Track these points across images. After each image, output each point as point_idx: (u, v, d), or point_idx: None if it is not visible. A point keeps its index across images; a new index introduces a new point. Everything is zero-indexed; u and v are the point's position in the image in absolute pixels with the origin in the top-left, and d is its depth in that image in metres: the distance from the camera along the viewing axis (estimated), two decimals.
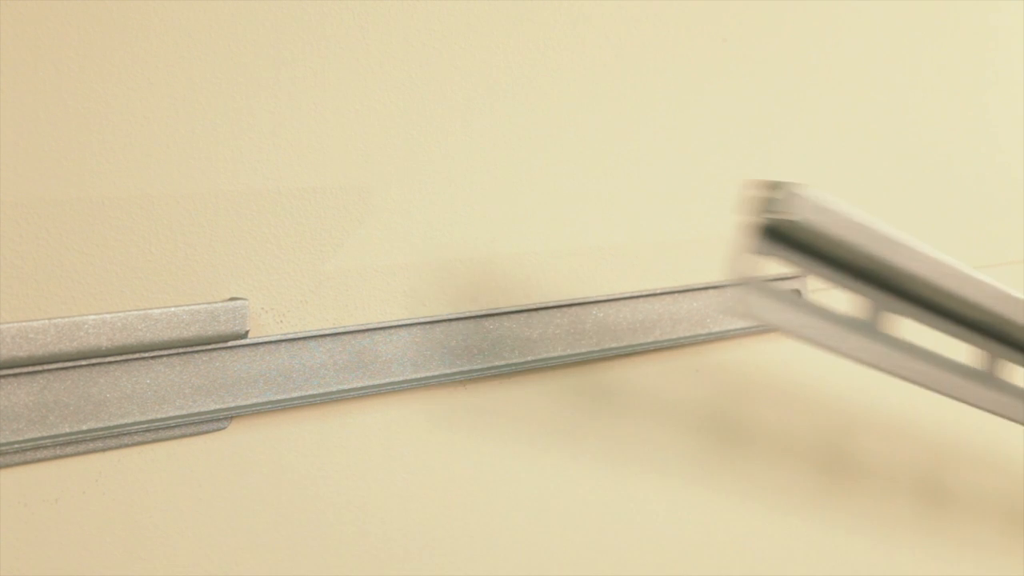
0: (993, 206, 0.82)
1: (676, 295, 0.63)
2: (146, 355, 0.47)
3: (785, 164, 0.69)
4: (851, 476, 0.76)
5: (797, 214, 0.40)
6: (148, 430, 0.47)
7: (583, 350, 0.60)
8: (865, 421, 0.76)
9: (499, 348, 0.57)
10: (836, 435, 0.74)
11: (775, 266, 0.63)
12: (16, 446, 0.44)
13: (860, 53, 0.73)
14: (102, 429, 0.46)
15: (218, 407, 0.49)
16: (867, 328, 0.47)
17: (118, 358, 0.46)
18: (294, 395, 0.51)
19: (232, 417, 0.49)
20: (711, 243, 0.66)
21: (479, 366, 0.56)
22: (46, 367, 0.44)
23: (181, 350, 0.47)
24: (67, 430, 0.45)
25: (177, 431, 0.48)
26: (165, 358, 0.47)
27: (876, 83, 0.74)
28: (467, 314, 0.55)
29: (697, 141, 0.65)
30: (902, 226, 0.74)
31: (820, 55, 0.70)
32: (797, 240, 0.41)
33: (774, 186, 0.41)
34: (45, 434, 0.45)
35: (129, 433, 0.47)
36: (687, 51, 0.64)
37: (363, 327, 0.52)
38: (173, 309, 0.46)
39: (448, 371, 0.55)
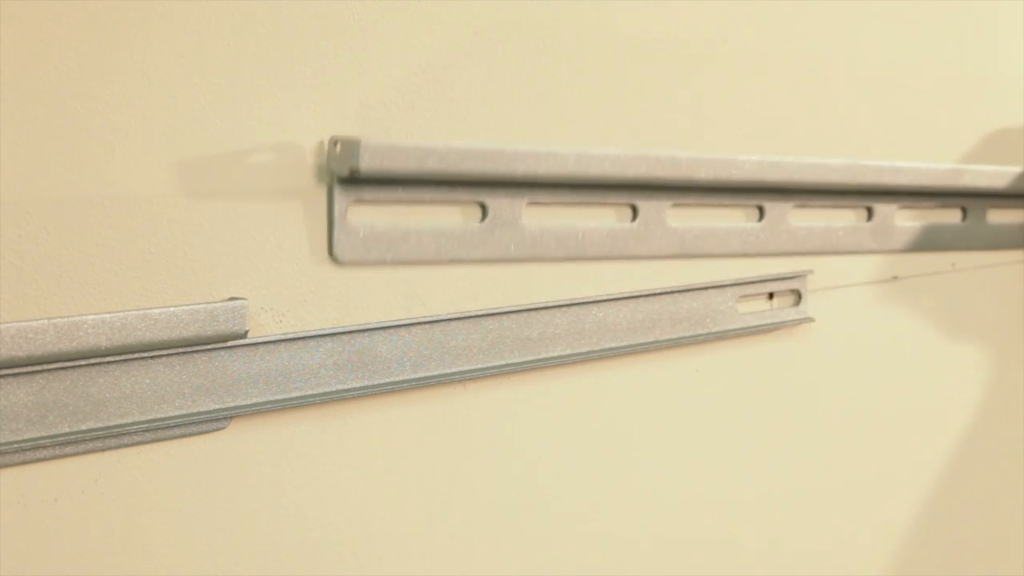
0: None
1: (676, 295, 0.63)
2: (145, 355, 0.47)
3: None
4: (854, 477, 0.76)
5: (362, 163, 0.47)
6: (147, 430, 0.47)
7: (583, 350, 0.60)
8: (868, 421, 0.76)
9: (499, 348, 0.57)
10: (838, 436, 0.74)
11: (775, 267, 0.63)
12: (15, 446, 0.44)
13: (861, 53, 0.73)
14: (101, 429, 0.46)
15: (218, 407, 0.49)
16: (493, 228, 0.54)
17: (117, 358, 0.46)
18: (294, 395, 0.51)
19: (232, 417, 0.49)
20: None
21: (479, 366, 0.56)
22: (45, 367, 0.44)
23: (180, 350, 0.47)
24: (66, 430, 0.45)
25: (176, 431, 0.48)
26: (164, 358, 0.47)
27: (878, 82, 0.74)
28: (467, 314, 0.55)
29: (697, 143, 0.65)
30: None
31: (821, 55, 0.70)
32: (380, 179, 0.49)
33: (335, 142, 0.48)
34: (44, 434, 0.45)
35: (128, 433, 0.47)
36: (687, 51, 0.64)
37: (363, 327, 0.52)
38: (172, 309, 0.46)
39: (448, 371, 0.55)
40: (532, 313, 0.58)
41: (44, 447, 0.45)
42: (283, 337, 0.50)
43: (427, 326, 0.54)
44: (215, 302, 0.48)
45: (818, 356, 0.72)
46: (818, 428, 0.73)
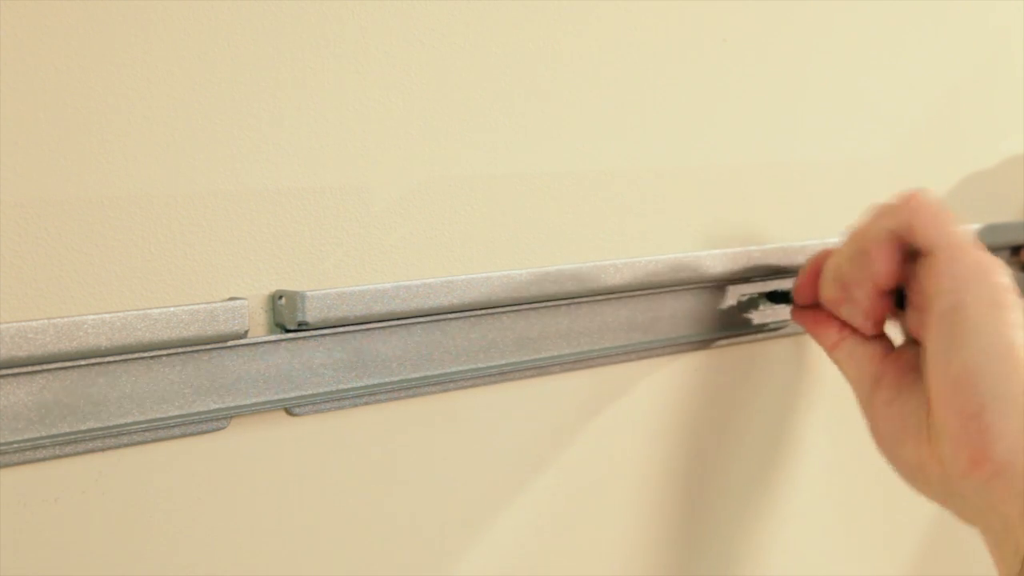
0: (998, 211, 0.82)
1: (676, 294, 0.63)
2: (146, 355, 0.47)
3: (783, 165, 0.69)
4: (854, 479, 0.76)
5: (307, 315, 0.49)
6: (147, 430, 0.47)
7: (583, 349, 0.60)
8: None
9: (499, 347, 0.57)
10: (839, 437, 0.74)
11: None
12: (15, 446, 0.44)
13: (861, 53, 0.73)
14: (101, 429, 0.46)
15: (218, 407, 0.49)
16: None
17: (117, 358, 0.46)
18: (294, 395, 0.51)
19: (232, 417, 0.49)
20: (713, 244, 0.66)
21: (479, 365, 0.56)
22: (45, 367, 0.44)
23: (180, 350, 0.47)
24: (66, 430, 0.45)
25: (177, 431, 0.48)
26: (165, 358, 0.47)
27: (877, 83, 0.74)
28: (467, 314, 0.55)
29: (699, 145, 0.65)
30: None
31: (821, 55, 0.70)
32: (326, 323, 0.50)
33: (279, 295, 0.49)
34: (44, 434, 0.45)
35: (129, 433, 0.47)
36: (687, 51, 0.64)
37: (363, 327, 0.52)
38: (172, 309, 0.46)
39: (448, 371, 0.55)
40: (532, 312, 0.58)
41: (44, 447, 0.45)
42: (283, 337, 0.50)
43: (427, 326, 0.54)
44: (215, 302, 0.48)
45: (820, 355, 0.72)
46: (821, 429, 0.73)
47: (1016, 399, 0.49)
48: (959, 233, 0.54)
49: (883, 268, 0.56)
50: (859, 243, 0.58)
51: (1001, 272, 0.53)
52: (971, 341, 0.51)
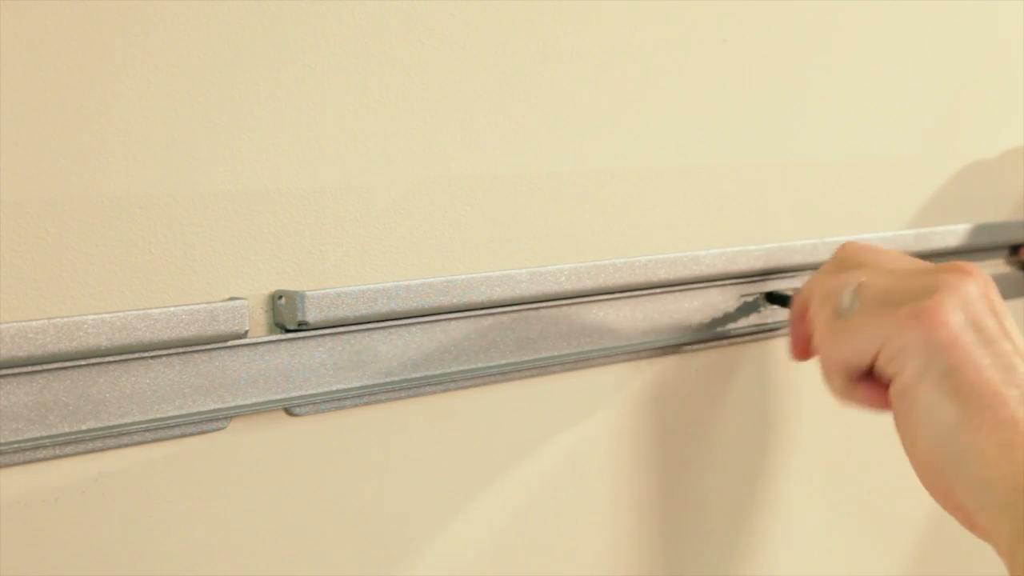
0: (996, 210, 0.82)
1: (676, 294, 0.63)
2: (146, 355, 0.47)
3: (783, 165, 0.69)
4: (854, 478, 0.76)
5: (307, 315, 0.49)
6: (148, 430, 0.47)
7: (583, 349, 0.60)
8: (868, 424, 0.76)
9: (499, 347, 0.57)
10: (839, 437, 0.74)
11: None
12: (15, 446, 0.44)
13: (860, 53, 0.73)
14: (102, 429, 0.46)
15: (217, 407, 0.49)
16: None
17: (118, 358, 0.46)
18: (293, 395, 0.51)
19: (232, 417, 0.49)
20: (711, 243, 0.66)
21: (479, 365, 0.56)
22: (45, 367, 0.44)
23: (180, 350, 0.47)
24: (66, 430, 0.45)
25: (177, 431, 0.48)
26: (165, 358, 0.47)
27: (876, 83, 0.74)
28: (467, 314, 0.55)
29: (699, 145, 0.65)
30: (893, 225, 0.74)
31: (821, 55, 0.70)
32: (326, 323, 0.50)
33: (279, 295, 0.50)
34: (44, 434, 0.45)
35: (129, 433, 0.47)
36: (687, 51, 0.64)
37: (363, 327, 0.52)
38: (172, 309, 0.46)
39: (448, 371, 0.55)
40: (532, 312, 0.58)
41: (44, 447, 0.45)
42: (283, 337, 0.50)
43: (427, 326, 0.54)
44: (215, 302, 0.48)
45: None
46: (821, 428, 0.73)
47: (979, 476, 0.49)
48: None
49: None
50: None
51: (941, 310, 0.51)
52: (925, 429, 0.51)
